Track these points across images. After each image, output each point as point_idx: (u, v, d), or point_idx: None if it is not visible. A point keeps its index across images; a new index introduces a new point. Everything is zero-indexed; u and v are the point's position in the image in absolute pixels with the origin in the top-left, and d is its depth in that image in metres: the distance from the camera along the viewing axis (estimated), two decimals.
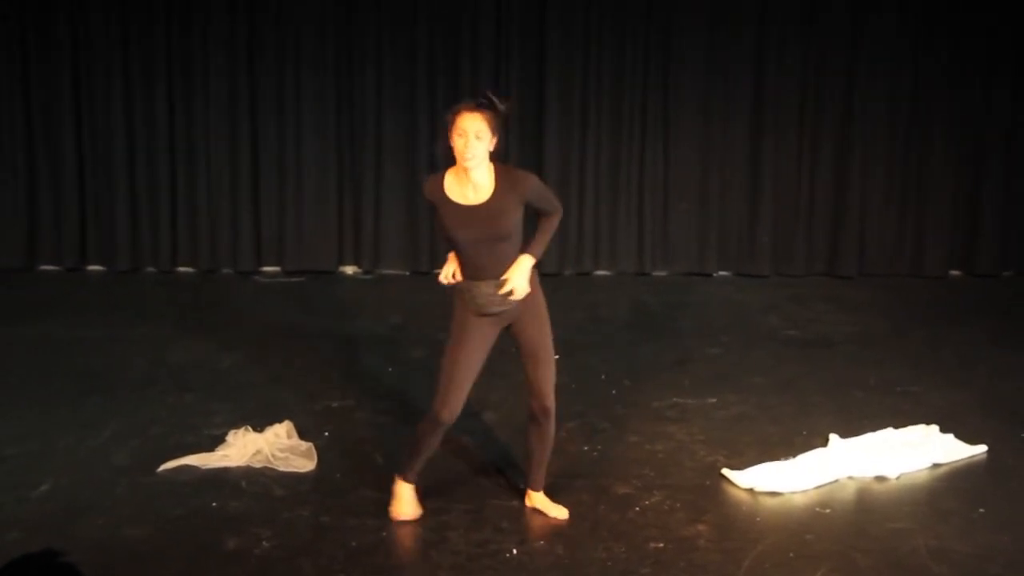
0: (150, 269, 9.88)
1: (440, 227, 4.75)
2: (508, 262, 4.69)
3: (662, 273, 9.97)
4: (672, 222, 9.95)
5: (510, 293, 4.67)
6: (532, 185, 4.68)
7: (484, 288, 4.67)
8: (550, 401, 4.85)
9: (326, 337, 7.91)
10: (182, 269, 9.91)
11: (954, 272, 10.05)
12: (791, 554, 4.75)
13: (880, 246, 9.97)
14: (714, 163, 9.87)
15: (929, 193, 9.92)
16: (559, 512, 5.04)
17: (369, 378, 6.94)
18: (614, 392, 6.77)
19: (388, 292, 9.33)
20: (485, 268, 4.68)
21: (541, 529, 4.95)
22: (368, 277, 9.89)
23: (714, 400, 6.63)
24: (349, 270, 10.02)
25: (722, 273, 10.01)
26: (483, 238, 4.63)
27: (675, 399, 6.64)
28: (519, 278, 4.68)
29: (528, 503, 5.12)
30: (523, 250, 4.72)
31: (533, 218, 4.80)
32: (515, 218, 4.66)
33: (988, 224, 9.95)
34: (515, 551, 4.75)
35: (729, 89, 9.76)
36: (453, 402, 4.73)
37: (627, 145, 9.84)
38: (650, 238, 9.94)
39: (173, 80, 9.65)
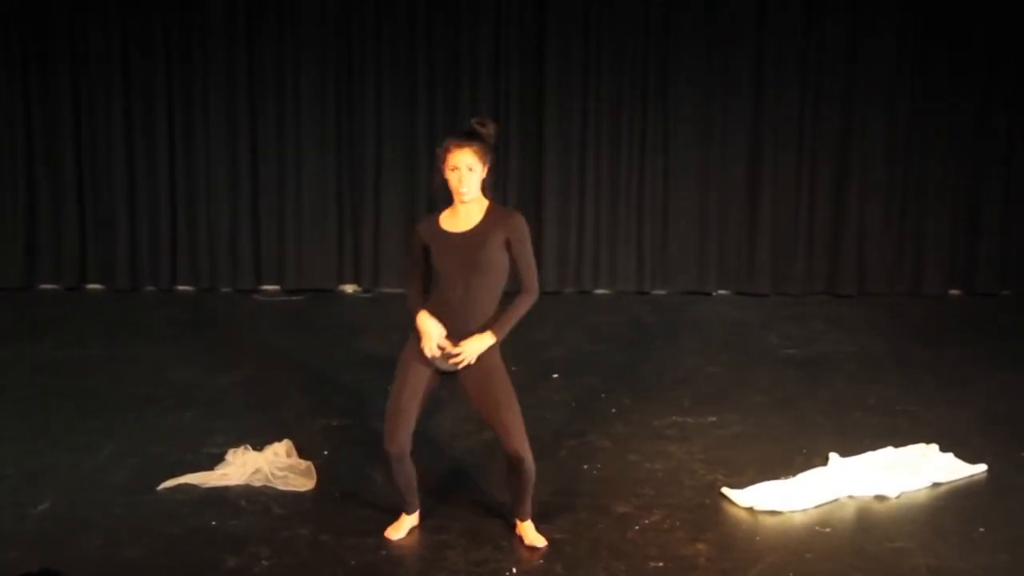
0: (149, 288, 9.88)
1: (417, 258, 4.87)
2: (477, 307, 4.74)
3: (662, 292, 9.97)
4: (671, 241, 9.96)
5: (457, 356, 4.73)
6: (518, 223, 4.79)
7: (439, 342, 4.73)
8: (519, 448, 4.76)
9: (325, 356, 7.91)
10: (181, 288, 9.91)
11: (953, 291, 10.05)
12: (791, 573, 4.75)
13: (879, 265, 9.97)
14: (713, 182, 9.87)
15: (928, 213, 9.92)
16: (536, 540, 4.98)
17: (368, 397, 6.93)
18: (614, 411, 6.77)
19: (387, 310, 9.31)
20: (455, 304, 4.74)
21: (540, 548, 4.95)
22: (368, 295, 9.90)
23: (714, 419, 6.63)
24: (349, 288, 10.02)
25: (721, 292, 10.01)
26: (462, 266, 4.71)
27: (675, 418, 6.64)
28: (472, 349, 4.73)
29: (517, 531, 5.08)
30: (488, 326, 4.76)
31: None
32: (495, 254, 4.73)
33: (987, 244, 9.95)
34: (514, 570, 4.74)
35: (728, 108, 9.77)
36: (398, 436, 4.79)
37: (626, 164, 9.85)
38: (649, 257, 9.95)
39: (173, 99, 9.66)
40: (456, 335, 4.75)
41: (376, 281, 9.93)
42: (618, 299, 9.80)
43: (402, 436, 4.79)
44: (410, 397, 4.81)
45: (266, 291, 9.91)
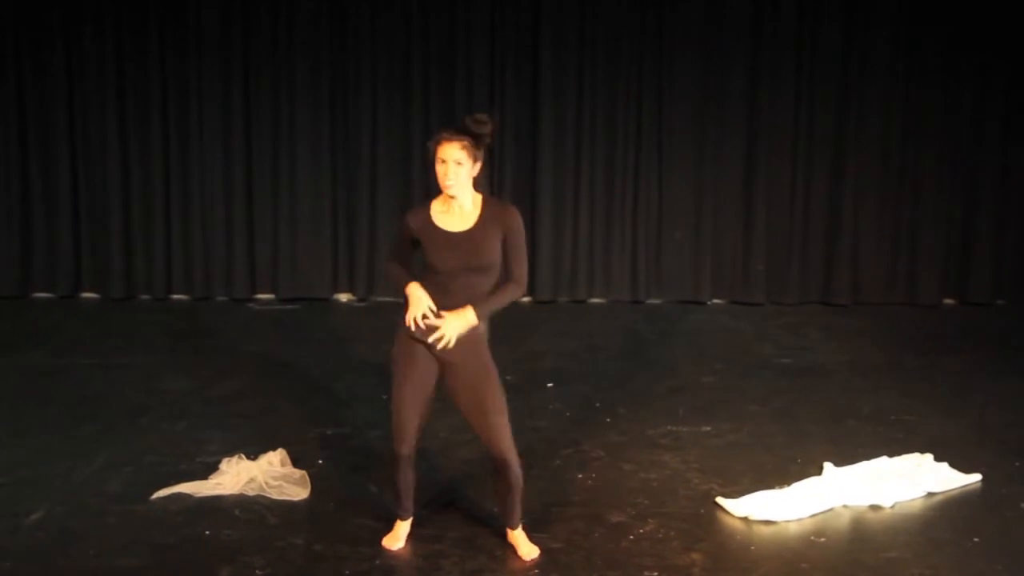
0: (144, 296, 9.87)
1: (404, 249, 4.79)
2: (472, 300, 4.66)
3: (656, 301, 9.98)
4: (666, 250, 9.97)
5: (435, 329, 4.62)
6: (516, 218, 4.72)
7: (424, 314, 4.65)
8: (507, 453, 4.75)
9: (320, 364, 7.90)
10: (176, 296, 9.91)
11: (948, 301, 10.07)
12: None
13: (874, 275, 9.99)
14: (708, 191, 9.89)
15: (922, 222, 9.94)
16: (529, 551, 4.96)
17: (363, 406, 6.94)
18: (608, 420, 6.77)
19: (382, 319, 9.30)
20: (453, 298, 4.65)
21: (534, 559, 4.94)
22: (362, 304, 9.89)
23: (708, 428, 6.63)
24: (343, 297, 10.02)
25: (716, 301, 10.02)
26: (463, 267, 4.64)
27: (669, 427, 6.63)
28: (452, 326, 4.61)
29: (509, 539, 5.05)
30: (471, 302, 4.66)
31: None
32: (494, 252, 4.68)
33: (981, 253, 9.97)
34: None
35: (723, 118, 9.80)
36: (407, 436, 4.76)
37: (621, 174, 9.86)
38: (644, 266, 9.96)
39: (168, 108, 9.67)
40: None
41: (371, 290, 9.93)
42: (613, 308, 9.80)
43: (412, 435, 4.77)
44: (413, 394, 4.75)
45: (261, 300, 9.90)
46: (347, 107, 9.74)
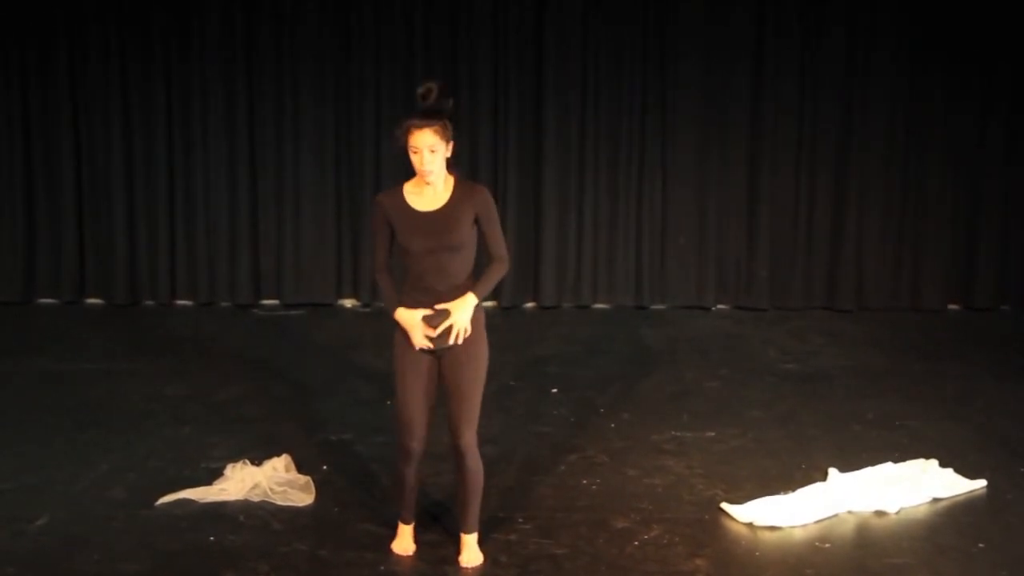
0: (148, 302, 9.87)
1: (384, 235, 4.78)
2: (455, 279, 4.69)
3: (660, 306, 9.97)
4: (670, 255, 9.96)
5: (449, 331, 4.66)
6: (486, 196, 4.74)
7: (425, 324, 4.69)
8: (463, 440, 4.74)
9: (324, 370, 7.90)
10: (180, 302, 9.91)
11: (952, 306, 10.06)
12: None
13: (878, 280, 9.97)
14: (712, 197, 9.88)
15: (926, 227, 9.93)
16: (468, 559, 4.92)
17: (367, 411, 6.94)
18: (613, 425, 6.77)
19: (386, 325, 9.29)
20: (432, 281, 4.68)
21: (540, 563, 4.93)
22: (366, 310, 9.90)
23: (713, 434, 6.62)
24: (348, 303, 10.02)
25: (720, 306, 10.01)
26: (436, 247, 4.65)
27: (673, 432, 6.63)
28: (462, 315, 4.67)
29: (461, 543, 5.00)
30: (470, 288, 4.71)
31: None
32: (466, 232, 4.70)
33: (986, 258, 9.95)
34: None
35: (726, 123, 9.79)
36: (416, 430, 4.75)
37: (624, 179, 9.86)
38: (648, 271, 9.95)
39: (172, 114, 9.67)
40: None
41: (375, 295, 9.92)
42: (617, 313, 9.80)
43: (419, 429, 4.75)
44: (418, 386, 4.76)
45: (265, 305, 9.90)
46: (351, 112, 9.75)
